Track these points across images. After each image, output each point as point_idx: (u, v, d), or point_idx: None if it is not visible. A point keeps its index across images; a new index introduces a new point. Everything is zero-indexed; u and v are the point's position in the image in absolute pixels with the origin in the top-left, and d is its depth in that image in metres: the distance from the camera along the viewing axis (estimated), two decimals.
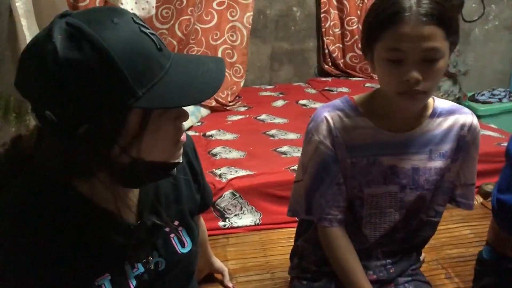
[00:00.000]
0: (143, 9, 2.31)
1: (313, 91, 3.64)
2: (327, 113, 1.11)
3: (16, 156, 0.75)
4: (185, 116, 0.75)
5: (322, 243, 1.17)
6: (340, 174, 1.12)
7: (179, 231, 0.92)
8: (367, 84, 3.62)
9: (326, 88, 3.66)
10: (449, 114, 1.13)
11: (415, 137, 1.11)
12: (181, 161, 0.80)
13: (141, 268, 0.84)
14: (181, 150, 0.79)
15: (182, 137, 0.77)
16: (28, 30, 1.97)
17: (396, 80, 0.97)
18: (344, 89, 3.61)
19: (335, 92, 3.56)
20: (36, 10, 2.07)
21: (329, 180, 1.12)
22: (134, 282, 0.82)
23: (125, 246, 0.80)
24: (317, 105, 3.28)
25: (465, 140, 1.14)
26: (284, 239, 1.95)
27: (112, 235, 0.79)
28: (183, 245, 0.92)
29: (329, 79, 3.87)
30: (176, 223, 0.92)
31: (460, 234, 1.92)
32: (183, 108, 0.74)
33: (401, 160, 1.11)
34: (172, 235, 0.90)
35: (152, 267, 0.85)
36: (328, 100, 3.41)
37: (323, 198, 1.13)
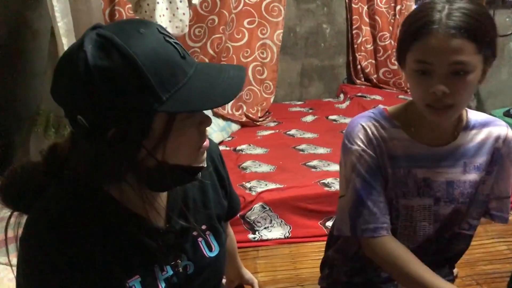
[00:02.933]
0: (176, 27, 2.39)
1: (343, 105, 3.64)
2: (364, 123, 1.10)
3: (53, 163, 0.79)
4: (208, 121, 0.79)
5: (380, 256, 1.08)
6: (384, 183, 1.10)
7: (207, 235, 0.94)
8: (401, 96, 3.60)
9: (360, 94, 3.65)
10: (482, 127, 1.11)
11: (450, 151, 1.09)
12: (205, 165, 0.83)
13: (170, 271, 0.86)
14: (205, 155, 0.82)
15: (205, 143, 0.80)
16: None
17: (423, 92, 0.97)
18: (377, 97, 3.59)
19: (368, 99, 3.56)
20: (76, 29, 2.17)
21: (379, 187, 1.08)
22: (164, 285, 0.84)
23: (154, 249, 0.83)
24: (348, 120, 3.28)
25: (500, 153, 1.11)
26: (314, 252, 1.95)
27: (142, 238, 0.81)
28: (210, 249, 0.93)
29: (363, 86, 3.87)
30: (204, 227, 0.94)
31: (495, 250, 1.87)
32: (207, 114, 0.78)
33: (435, 173, 1.10)
34: (200, 239, 0.92)
35: (181, 270, 0.87)
36: (361, 106, 3.40)
37: (376, 207, 1.08)
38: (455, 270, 1.35)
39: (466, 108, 1.11)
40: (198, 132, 0.77)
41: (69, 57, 0.69)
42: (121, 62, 0.66)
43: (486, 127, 1.11)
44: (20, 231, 0.77)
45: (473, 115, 1.12)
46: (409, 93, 4.09)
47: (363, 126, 1.09)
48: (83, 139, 0.72)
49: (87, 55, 0.66)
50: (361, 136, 1.09)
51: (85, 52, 0.66)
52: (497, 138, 1.11)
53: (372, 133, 1.09)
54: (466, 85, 0.95)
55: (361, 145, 1.08)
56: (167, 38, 0.71)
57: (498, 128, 1.11)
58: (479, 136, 1.10)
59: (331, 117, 3.38)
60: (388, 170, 1.10)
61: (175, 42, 0.72)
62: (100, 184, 0.77)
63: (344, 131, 1.15)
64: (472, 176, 1.11)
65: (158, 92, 0.68)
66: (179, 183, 0.83)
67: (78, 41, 0.69)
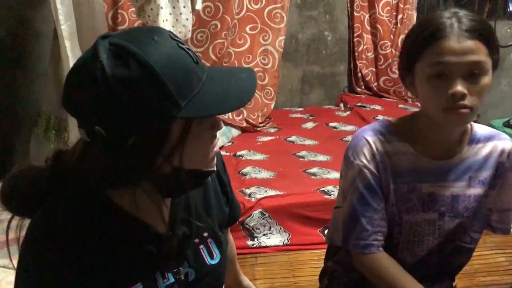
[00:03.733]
0: (179, 32, 2.40)
1: (344, 114, 3.64)
2: (369, 137, 1.08)
3: (58, 170, 0.79)
4: (220, 125, 0.79)
5: (369, 271, 1.10)
6: (383, 199, 1.09)
7: (208, 243, 0.94)
8: (400, 105, 3.61)
9: (359, 104, 3.67)
10: (487, 140, 1.10)
11: (455, 164, 1.08)
12: (215, 169, 0.84)
13: (171, 279, 0.86)
14: (215, 159, 0.83)
15: (216, 147, 0.81)
16: (71, 51, 2.08)
17: (441, 97, 0.95)
18: (377, 107, 3.60)
19: (368, 109, 3.57)
20: (79, 32, 2.18)
21: (375, 205, 1.08)
22: None
23: (156, 256, 0.83)
24: (348, 127, 3.28)
25: (504, 167, 1.11)
26: (312, 260, 1.94)
27: (144, 244, 0.81)
28: (212, 257, 0.93)
29: (363, 96, 3.89)
30: (206, 234, 0.94)
31: (494, 261, 1.86)
32: (218, 117, 0.79)
33: (440, 188, 1.09)
34: (201, 246, 0.92)
35: (182, 277, 0.87)
36: (361, 116, 3.41)
37: (369, 224, 1.08)
38: (454, 282, 1.35)
39: (471, 122, 1.11)
40: (211, 136, 0.78)
41: (83, 67, 0.68)
42: (140, 70, 0.66)
43: (491, 141, 1.10)
44: (22, 233, 0.76)
45: (478, 129, 1.11)
46: (409, 102, 4.10)
47: (368, 141, 1.08)
48: (101, 149, 0.71)
49: (103, 65, 0.65)
50: (365, 152, 1.07)
51: (101, 62, 0.65)
52: (502, 152, 1.10)
53: (377, 148, 1.07)
54: (482, 88, 0.94)
55: (364, 160, 1.07)
56: (180, 45, 0.72)
57: (503, 142, 1.11)
58: (484, 150, 1.10)
59: (331, 124, 3.38)
60: (390, 186, 1.09)
61: (187, 48, 0.73)
62: (104, 192, 0.76)
63: (348, 142, 1.14)
64: (477, 190, 1.10)
65: (176, 99, 0.68)
66: (192, 188, 0.83)
67: (90, 51, 0.68)
